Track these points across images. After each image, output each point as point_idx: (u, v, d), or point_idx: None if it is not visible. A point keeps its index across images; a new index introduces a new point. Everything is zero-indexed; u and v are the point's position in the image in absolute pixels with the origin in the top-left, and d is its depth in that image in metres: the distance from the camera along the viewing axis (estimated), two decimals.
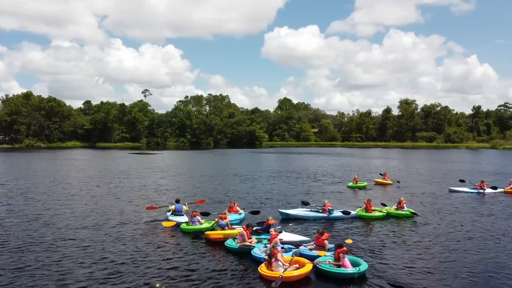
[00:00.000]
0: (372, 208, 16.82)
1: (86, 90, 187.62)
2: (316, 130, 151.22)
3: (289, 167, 42.10)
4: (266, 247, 11.32)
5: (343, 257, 9.90)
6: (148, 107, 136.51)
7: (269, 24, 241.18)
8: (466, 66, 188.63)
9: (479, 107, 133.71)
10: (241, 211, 16.61)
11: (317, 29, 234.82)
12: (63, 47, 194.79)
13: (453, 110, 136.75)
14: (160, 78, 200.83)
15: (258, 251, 11.20)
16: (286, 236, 12.61)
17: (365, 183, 26.70)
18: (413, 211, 16.79)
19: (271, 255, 10.00)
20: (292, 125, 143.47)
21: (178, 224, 14.74)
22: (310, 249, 11.37)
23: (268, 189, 25.31)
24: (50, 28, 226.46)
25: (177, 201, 16.79)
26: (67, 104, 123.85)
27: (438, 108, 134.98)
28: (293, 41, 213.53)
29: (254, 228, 12.80)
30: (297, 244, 11.94)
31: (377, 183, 28.12)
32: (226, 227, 13.43)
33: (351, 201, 20.96)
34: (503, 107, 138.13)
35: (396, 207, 17.11)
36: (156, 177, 31.19)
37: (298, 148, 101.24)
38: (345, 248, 10.34)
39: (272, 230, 12.10)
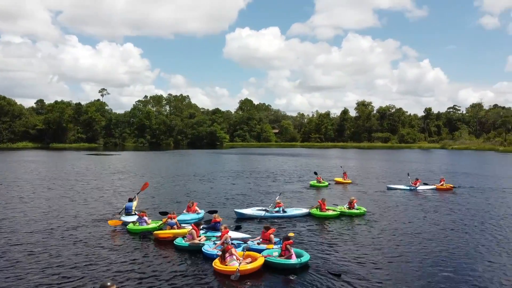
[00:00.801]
0: (326, 207, 17.30)
1: (39, 88, 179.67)
2: (276, 131, 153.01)
3: (251, 168, 42.51)
4: (215, 244, 11.66)
5: (291, 249, 10.60)
6: (106, 107, 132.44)
7: (230, 24, 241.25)
8: (419, 70, 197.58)
9: (430, 109, 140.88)
10: (200, 211, 16.74)
11: (278, 30, 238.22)
12: (14, 43, 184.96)
13: (407, 112, 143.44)
14: (119, 77, 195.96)
15: (209, 248, 11.50)
16: (230, 233, 12.99)
17: (326, 183, 27.48)
18: (365, 209, 17.53)
19: (225, 250, 10.34)
20: (253, 126, 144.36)
21: (124, 224, 14.73)
22: (258, 243, 11.89)
23: (228, 189, 25.55)
24: (0, 23, 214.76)
25: (130, 200, 16.88)
26: (18, 103, 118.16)
27: (393, 110, 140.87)
28: (254, 42, 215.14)
29: (201, 226, 13.06)
30: (244, 240, 12.44)
31: (338, 182, 29.01)
32: (175, 226, 13.55)
33: (309, 199, 21.51)
34: (452, 109, 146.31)
35: (347, 207, 17.66)
36: (113, 179, 30.57)
37: (259, 149, 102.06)
38: (291, 241, 11.01)
39: (222, 227, 12.45)
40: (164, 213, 15.81)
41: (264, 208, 17.28)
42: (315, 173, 29.00)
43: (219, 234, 12.57)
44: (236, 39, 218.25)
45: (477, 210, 18.69)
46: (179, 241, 12.32)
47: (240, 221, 15.89)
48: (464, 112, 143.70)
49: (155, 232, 13.39)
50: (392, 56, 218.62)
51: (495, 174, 36.46)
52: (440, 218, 16.89)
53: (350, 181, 29.04)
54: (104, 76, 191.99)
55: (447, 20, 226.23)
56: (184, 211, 16.57)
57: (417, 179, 26.17)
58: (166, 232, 13.24)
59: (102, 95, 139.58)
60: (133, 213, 16.04)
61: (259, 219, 16.22)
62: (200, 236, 12.41)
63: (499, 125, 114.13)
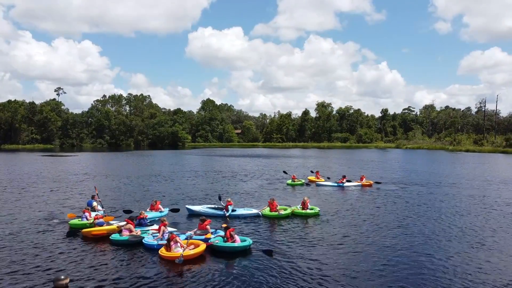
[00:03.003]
0: (278, 207, 17.06)
1: None
2: (239, 131, 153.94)
3: (213, 168, 42.86)
4: (154, 236, 12.62)
5: (234, 235, 11.82)
6: (62, 106, 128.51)
7: (193, 23, 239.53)
8: (378, 72, 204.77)
9: (386, 110, 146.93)
10: (163, 209, 17.24)
11: (241, 31, 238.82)
12: None
13: (365, 112, 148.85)
14: (76, 75, 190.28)
15: (150, 239, 12.37)
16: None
17: (302, 181, 28.21)
18: (318, 209, 17.59)
19: (170, 239, 11.27)
20: (215, 126, 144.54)
21: (82, 218, 15.05)
22: (196, 234, 12.89)
23: (190, 188, 25.91)
24: None
25: (93, 197, 17.55)
26: None
27: (351, 111, 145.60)
28: (217, 42, 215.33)
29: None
30: (183, 231, 13.37)
31: (311, 181, 29.17)
32: (105, 225, 13.93)
33: (291, 197, 22.11)
34: (407, 111, 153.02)
35: (301, 207, 17.51)
36: (69, 180, 30.00)
37: (222, 149, 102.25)
38: (233, 228, 12.26)
39: (162, 219, 13.26)
40: (128, 211, 16.25)
41: (213, 206, 17.86)
42: (285, 172, 30.84)
43: (147, 228, 13.72)
44: (199, 39, 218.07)
45: (412, 204, 20.18)
46: (115, 237, 12.85)
47: (191, 217, 16.67)
48: (418, 113, 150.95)
49: (87, 229, 13.53)
50: (352, 58, 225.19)
51: (434, 171, 38.91)
52: (379, 212, 18.14)
53: (323, 180, 29.03)
54: (60, 74, 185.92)
55: (403, 24, 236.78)
56: (148, 210, 17.03)
57: (343, 176, 27.62)
58: (100, 229, 13.45)
59: (58, 94, 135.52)
60: (92, 209, 16.32)
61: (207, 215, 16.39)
62: (136, 230, 13.14)
63: (449, 125, 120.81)
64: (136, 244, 12.47)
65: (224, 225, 13.27)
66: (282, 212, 16.93)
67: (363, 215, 17.41)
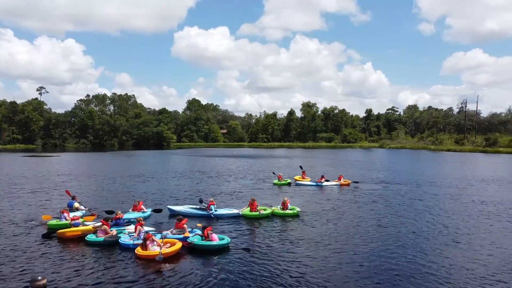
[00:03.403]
0: (258, 207, 17.08)
1: None
2: (224, 131, 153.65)
3: (197, 168, 42.81)
4: (130, 236, 12.74)
5: (211, 234, 12.17)
6: (44, 106, 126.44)
7: (179, 23, 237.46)
8: (363, 73, 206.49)
9: (370, 110, 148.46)
10: (146, 210, 17.23)
11: (227, 30, 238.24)
12: None
13: (349, 112, 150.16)
14: (59, 74, 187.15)
15: (126, 239, 12.53)
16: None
17: (288, 180, 28.51)
18: (298, 209, 17.67)
19: (146, 238, 11.50)
20: (201, 126, 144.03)
21: (60, 218, 15.00)
22: (172, 233, 13.13)
23: (174, 188, 25.86)
24: None
25: (73, 198, 17.42)
26: None
27: (336, 111, 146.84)
28: (203, 41, 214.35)
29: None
30: (158, 231, 13.56)
31: (297, 181, 29.08)
32: (81, 225, 14.01)
33: (273, 197, 22.25)
34: (391, 111, 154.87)
35: (281, 207, 17.61)
36: (51, 181, 29.59)
37: (208, 149, 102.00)
38: (211, 227, 12.57)
39: (138, 219, 13.51)
40: (110, 212, 16.17)
41: (195, 206, 17.90)
42: (274, 173, 31.07)
43: (123, 228, 13.83)
44: (185, 38, 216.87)
45: (391, 203, 20.57)
46: (91, 237, 12.88)
47: (173, 217, 16.57)
48: (402, 113, 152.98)
49: (62, 230, 13.56)
50: (337, 58, 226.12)
51: (415, 170, 39.63)
52: (357, 211, 18.45)
53: (309, 179, 28.96)
54: (43, 74, 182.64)
55: (388, 25, 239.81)
56: (130, 210, 16.99)
57: (322, 176, 28.11)
58: (75, 230, 13.53)
59: (40, 94, 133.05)
60: (72, 210, 16.35)
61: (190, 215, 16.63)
62: (112, 230, 13.23)
63: (432, 125, 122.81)
64: (112, 244, 12.58)
65: (198, 224, 13.59)
66: (262, 212, 17.03)
67: (342, 215, 17.63)
